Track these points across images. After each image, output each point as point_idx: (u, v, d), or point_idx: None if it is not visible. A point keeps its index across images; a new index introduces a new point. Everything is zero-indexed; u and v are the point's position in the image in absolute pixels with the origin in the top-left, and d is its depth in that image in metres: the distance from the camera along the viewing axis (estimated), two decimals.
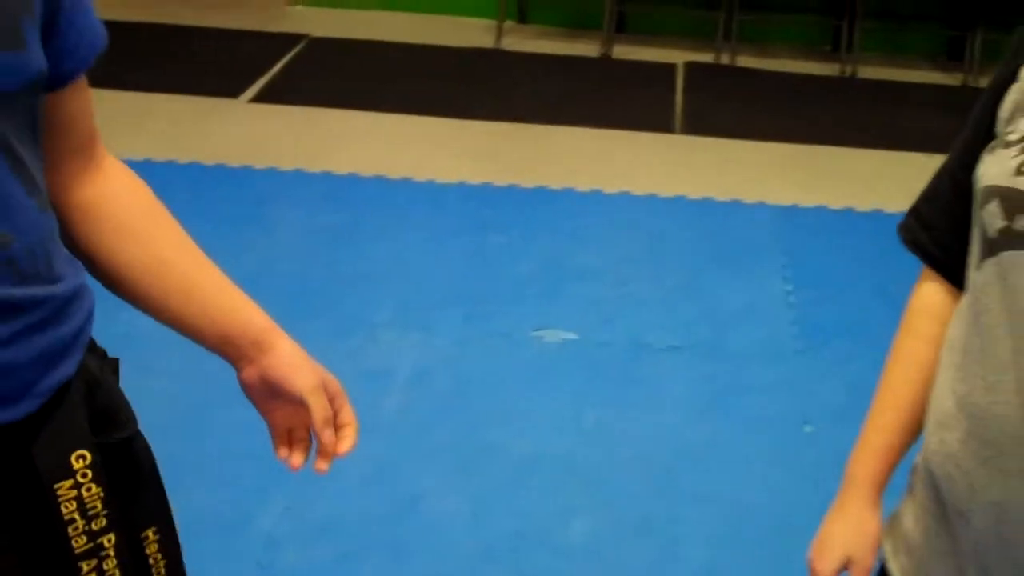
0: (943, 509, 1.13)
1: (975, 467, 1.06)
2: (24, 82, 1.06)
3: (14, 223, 1.08)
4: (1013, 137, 1.05)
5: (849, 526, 1.30)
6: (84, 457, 1.17)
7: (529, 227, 3.97)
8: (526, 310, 3.48)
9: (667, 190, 4.28)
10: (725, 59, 5.63)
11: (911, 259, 1.29)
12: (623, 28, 5.98)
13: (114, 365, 1.30)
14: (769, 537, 2.58)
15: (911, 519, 1.22)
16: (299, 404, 1.29)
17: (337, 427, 1.33)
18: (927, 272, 1.26)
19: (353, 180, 4.24)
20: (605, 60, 5.69)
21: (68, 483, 1.16)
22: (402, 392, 3.07)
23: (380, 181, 4.25)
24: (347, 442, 1.33)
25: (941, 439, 1.12)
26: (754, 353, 3.30)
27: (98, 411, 1.22)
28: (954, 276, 1.21)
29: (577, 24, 6.00)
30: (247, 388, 1.32)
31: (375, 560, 2.51)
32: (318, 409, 1.29)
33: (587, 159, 4.55)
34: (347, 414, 1.34)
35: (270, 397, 1.31)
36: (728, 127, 4.86)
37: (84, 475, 1.17)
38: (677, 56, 5.68)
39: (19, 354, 1.10)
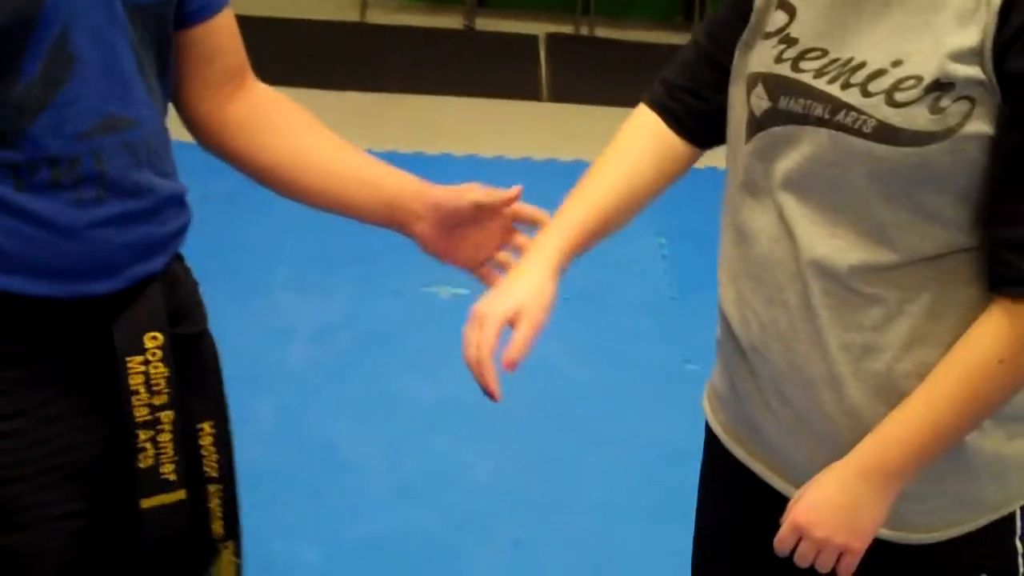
0: (742, 352, 1.31)
1: (762, 306, 1.25)
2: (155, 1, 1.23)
3: (137, 111, 1.24)
4: (771, 29, 1.23)
5: (528, 284, 1.28)
6: (156, 338, 1.30)
7: None
8: (416, 268, 3.57)
9: (539, 154, 4.44)
10: (584, 31, 5.82)
11: None
12: (484, 2, 6.11)
13: (195, 282, 1.45)
14: (661, 467, 2.77)
15: (719, 378, 1.40)
16: (480, 220, 1.43)
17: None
18: (654, 114, 1.38)
19: None
20: (469, 32, 5.82)
21: (138, 359, 1.29)
22: (305, 348, 3.18)
23: None
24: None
25: (736, 289, 1.30)
26: (634, 302, 3.50)
27: (176, 306, 1.36)
28: (685, 126, 1.36)
29: None
30: (426, 243, 1.44)
31: (293, 506, 2.62)
32: (495, 193, 1.42)
33: (460, 127, 4.68)
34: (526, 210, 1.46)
35: (451, 233, 1.44)
36: (592, 95, 5.03)
37: (154, 354, 1.30)
38: (538, 28, 5.83)
39: (114, 235, 1.24)
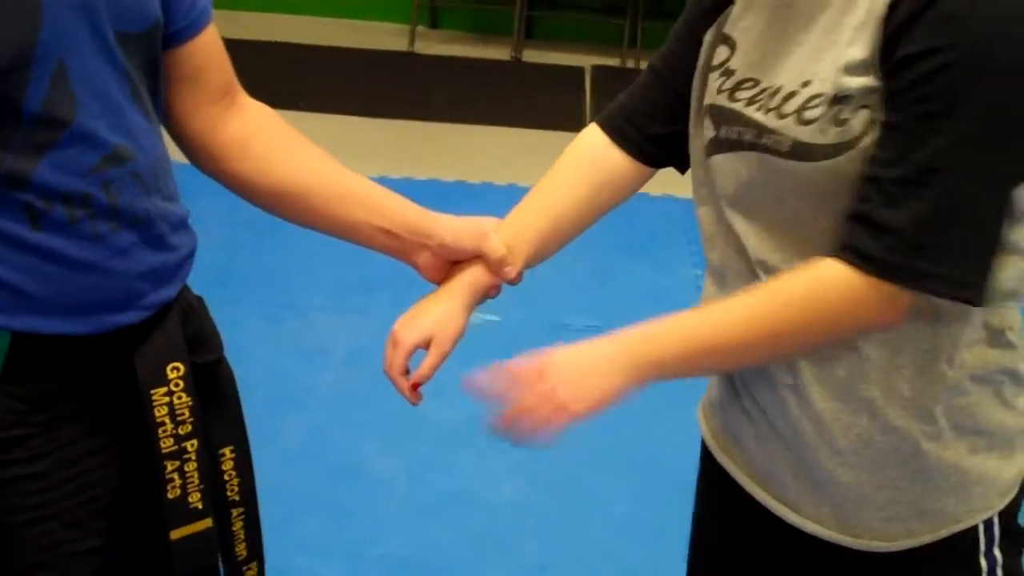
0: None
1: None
2: (146, 27, 1.24)
3: (137, 141, 1.25)
4: (715, 63, 1.29)
5: (439, 313, 1.42)
6: (178, 369, 1.33)
7: None
8: None
9: None
10: (630, 63, 5.86)
11: None
12: (532, 34, 6.18)
13: (204, 304, 1.46)
14: (686, 491, 2.76)
15: (712, 385, 1.44)
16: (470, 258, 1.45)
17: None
18: (602, 134, 1.43)
19: None
20: (515, 63, 5.89)
21: (162, 390, 1.32)
22: (337, 369, 3.22)
23: None
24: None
25: (712, 282, 1.36)
26: None
27: (192, 334, 1.38)
28: (640, 149, 1.41)
29: (487, 29, 6.18)
30: (426, 273, 1.48)
31: (316, 521, 2.66)
32: (497, 252, 1.44)
33: (503, 156, 4.73)
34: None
35: (451, 265, 1.47)
36: None
37: (177, 384, 1.33)
38: (584, 60, 5.89)
39: (132, 265, 1.26)
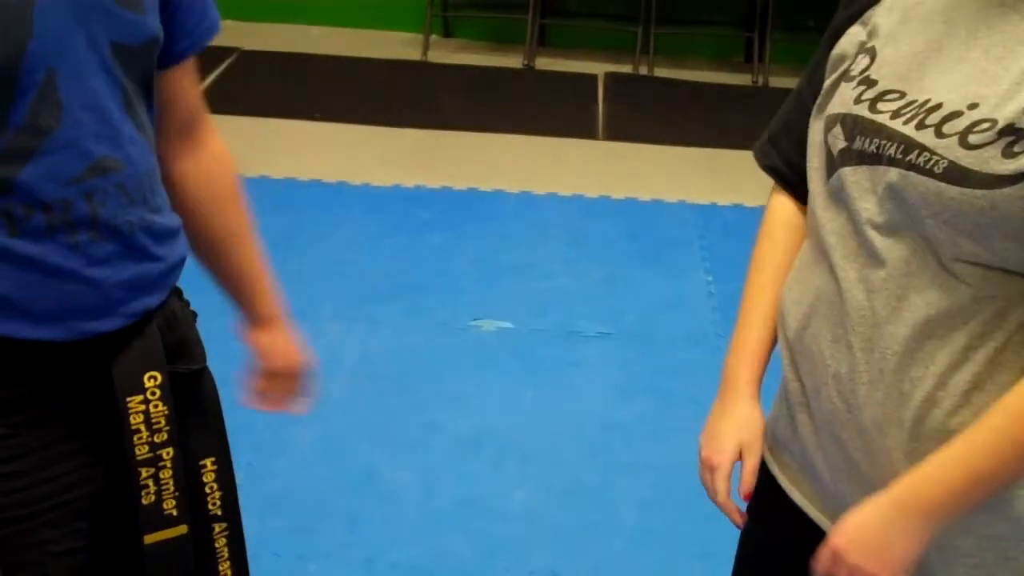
0: (802, 390, 1.31)
1: (827, 345, 1.25)
2: (144, 41, 1.25)
3: (126, 153, 1.25)
4: (854, 72, 1.24)
5: (736, 419, 1.39)
6: (155, 378, 1.35)
7: (463, 226, 4.16)
8: (463, 302, 3.66)
9: (592, 191, 4.49)
10: (644, 70, 5.87)
11: None
12: (545, 42, 6.19)
13: (194, 313, 1.50)
14: (697, 500, 2.76)
15: (780, 415, 1.39)
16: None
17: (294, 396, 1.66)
18: (777, 187, 1.44)
19: (291, 185, 4.40)
20: (529, 71, 5.90)
21: (138, 398, 1.33)
22: (349, 378, 3.23)
23: (317, 185, 4.41)
24: (297, 408, 1.68)
25: (801, 324, 1.30)
26: (679, 338, 3.52)
27: (174, 343, 1.40)
28: (798, 188, 1.38)
29: (501, 38, 6.20)
30: (248, 342, 1.59)
31: (330, 529, 2.67)
32: (274, 387, 1.63)
33: (515, 164, 4.75)
34: (307, 390, 1.68)
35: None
36: (648, 133, 5.09)
37: (153, 393, 1.34)
38: (598, 67, 5.90)
39: (111, 274, 1.27)
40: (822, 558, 1.24)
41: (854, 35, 1.28)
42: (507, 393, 3.22)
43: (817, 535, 1.34)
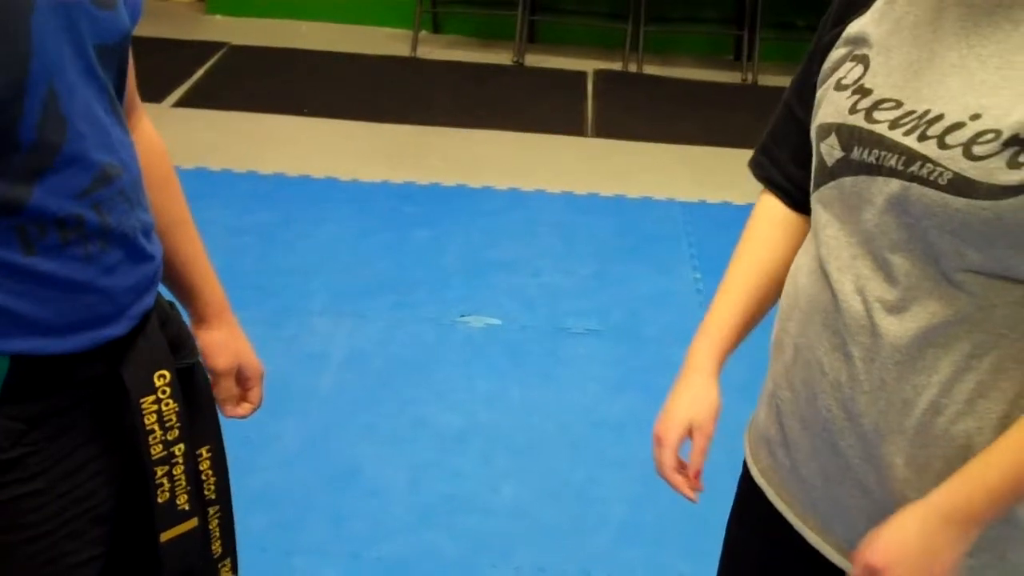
0: (796, 399, 1.31)
1: (825, 354, 1.25)
2: (119, 37, 1.24)
3: (120, 157, 1.25)
4: (846, 80, 1.24)
5: (690, 397, 1.41)
6: (164, 376, 1.34)
7: (451, 222, 4.15)
8: (451, 298, 3.66)
9: (581, 188, 4.49)
10: (633, 67, 5.87)
11: None
12: (534, 38, 6.19)
13: (177, 308, 1.49)
14: (681, 498, 2.77)
15: (763, 425, 1.40)
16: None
17: (242, 400, 1.61)
18: (768, 192, 1.45)
19: (279, 180, 4.38)
20: (518, 68, 5.90)
21: (151, 398, 1.33)
22: (337, 373, 3.23)
23: (305, 181, 4.40)
24: (240, 411, 1.61)
25: (798, 332, 1.30)
26: (666, 335, 3.52)
27: (171, 339, 1.39)
28: (794, 198, 1.40)
29: (490, 34, 6.19)
30: (198, 342, 1.55)
31: (315, 524, 2.66)
32: (220, 389, 1.56)
33: (504, 160, 4.74)
34: (254, 396, 1.61)
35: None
36: (637, 131, 5.08)
37: (164, 391, 1.34)
38: (587, 64, 5.90)
39: (121, 280, 1.27)
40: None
41: (839, 53, 1.28)
42: (495, 389, 3.22)
43: (795, 540, 1.34)
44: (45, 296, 1.20)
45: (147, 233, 1.32)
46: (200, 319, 1.55)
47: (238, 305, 1.60)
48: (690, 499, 1.41)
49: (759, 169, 1.46)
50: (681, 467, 1.40)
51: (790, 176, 1.40)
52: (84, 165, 1.19)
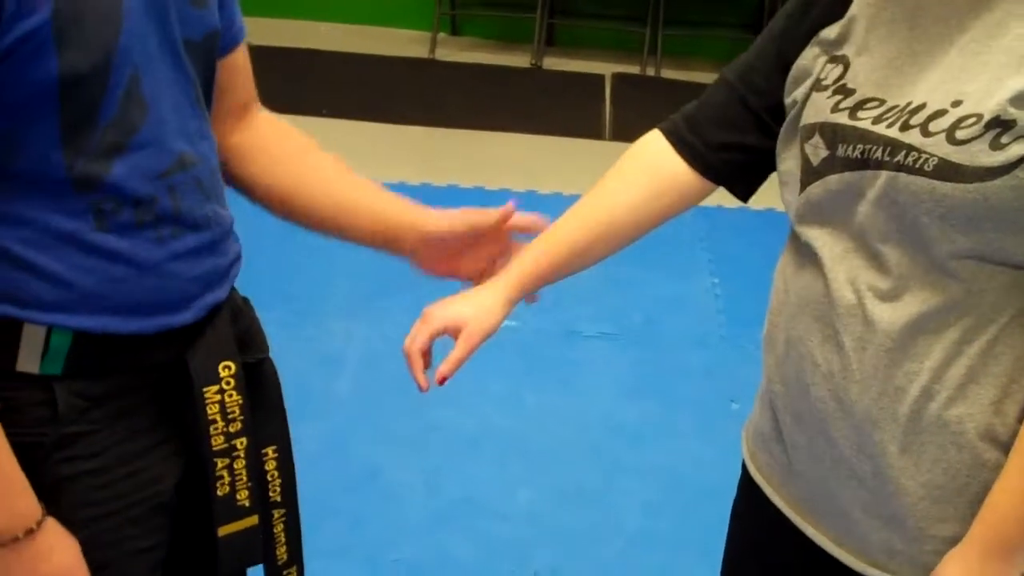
0: (789, 393, 1.31)
1: (817, 346, 1.25)
2: (206, 35, 1.29)
3: (198, 148, 1.28)
4: (826, 81, 1.25)
5: (476, 304, 1.41)
6: (229, 367, 1.35)
7: None
8: None
9: None
10: (651, 71, 5.87)
11: None
12: (553, 41, 6.19)
13: (251, 305, 1.49)
14: (697, 504, 2.78)
15: (762, 418, 1.39)
16: (477, 239, 1.53)
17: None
18: (665, 142, 1.44)
19: None
20: (536, 71, 5.90)
21: (214, 388, 1.33)
22: (354, 376, 3.24)
23: None
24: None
25: (789, 326, 1.29)
26: (683, 340, 3.52)
27: (240, 334, 1.40)
28: (695, 152, 1.41)
29: (508, 37, 6.20)
30: (423, 267, 1.55)
31: (333, 527, 2.67)
32: (489, 214, 1.52)
33: (521, 163, 4.75)
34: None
35: (448, 256, 1.54)
36: None
37: (228, 383, 1.34)
38: (605, 68, 5.90)
39: (188, 268, 1.29)
40: None
41: (812, 55, 1.29)
42: (510, 393, 3.22)
43: (794, 535, 1.35)
44: (113, 274, 1.22)
45: (223, 227, 1.33)
46: (414, 231, 1.52)
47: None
48: (419, 385, 1.40)
49: (669, 125, 1.45)
50: (426, 355, 1.40)
51: (706, 138, 1.40)
52: (162, 148, 1.22)
